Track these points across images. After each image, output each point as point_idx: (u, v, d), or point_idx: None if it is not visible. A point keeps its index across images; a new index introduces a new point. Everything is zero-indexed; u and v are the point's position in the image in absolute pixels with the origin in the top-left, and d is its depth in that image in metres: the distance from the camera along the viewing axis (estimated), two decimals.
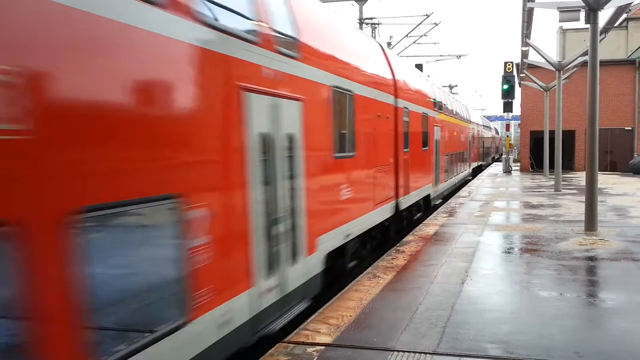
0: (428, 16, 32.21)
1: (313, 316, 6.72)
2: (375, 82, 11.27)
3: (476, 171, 37.54)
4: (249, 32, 5.98)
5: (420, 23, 32.48)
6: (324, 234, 7.95)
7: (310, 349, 5.63)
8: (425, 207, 16.94)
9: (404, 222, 14.08)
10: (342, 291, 7.78)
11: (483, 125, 47.73)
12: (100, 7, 3.85)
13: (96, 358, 3.64)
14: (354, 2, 34.19)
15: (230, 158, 5.48)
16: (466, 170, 29.40)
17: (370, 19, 38.69)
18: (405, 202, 13.73)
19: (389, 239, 12.49)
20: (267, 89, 6.22)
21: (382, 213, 11.63)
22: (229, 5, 5.63)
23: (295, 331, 6.18)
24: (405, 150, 13.75)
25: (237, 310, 5.41)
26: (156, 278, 4.42)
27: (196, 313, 4.70)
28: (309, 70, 7.57)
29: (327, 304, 7.18)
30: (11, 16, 3.24)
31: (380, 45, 13.41)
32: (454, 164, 23.68)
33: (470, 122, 33.23)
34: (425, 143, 16.61)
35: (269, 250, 6.16)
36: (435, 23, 34.42)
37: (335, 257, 8.67)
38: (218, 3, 5.40)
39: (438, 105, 19.63)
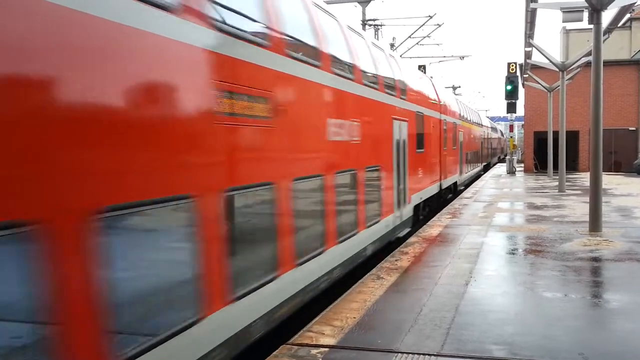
0: (431, 17, 32.19)
1: (317, 318, 6.71)
2: (431, 105, 17.51)
3: (486, 167, 43.95)
4: (393, 90, 12.12)
5: (424, 24, 32.45)
6: (413, 194, 14.10)
7: (314, 351, 5.62)
8: (454, 191, 23.05)
9: (441, 198, 19.81)
10: (346, 293, 7.77)
11: (491, 128, 54.81)
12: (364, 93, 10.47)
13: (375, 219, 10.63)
14: (357, 4, 34.15)
15: (390, 151, 11.64)
16: (479, 166, 37.14)
17: (373, 20, 38.66)
18: (445, 183, 20.17)
19: (431, 211, 17.93)
20: (398, 117, 12.21)
21: (435, 188, 18.00)
22: (387, 80, 11.87)
23: (299, 333, 6.17)
24: (445, 148, 20.01)
25: (389, 222, 11.58)
26: (373, 199, 10.57)
27: (381, 217, 11.00)
28: (409, 104, 13.61)
29: (331, 305, 7.18)
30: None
31: (431, 80, 20.11)
32: (471, 160, 30.71)
33: (481, 126, 40.07)
34: (454, 144, 22.88)
35: (397, 196, 12.31)
36: (438, 24, 34.40)
37: (415, 211, 14.48)
38: (384, 81, 11.51)
39: (461, 115, 26.06)
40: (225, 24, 5.38)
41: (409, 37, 32.70)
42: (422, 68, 41.28)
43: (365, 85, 10.09)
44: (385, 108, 11.48)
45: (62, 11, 3.48)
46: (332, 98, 8.43)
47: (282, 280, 6.33)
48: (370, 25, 36.19)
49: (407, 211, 13.42)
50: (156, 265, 4.56)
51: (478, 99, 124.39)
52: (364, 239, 9.79)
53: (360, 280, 8.46)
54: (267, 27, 6.37)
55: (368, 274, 8.88)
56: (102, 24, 3.79)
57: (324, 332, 6.16)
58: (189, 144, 4.73)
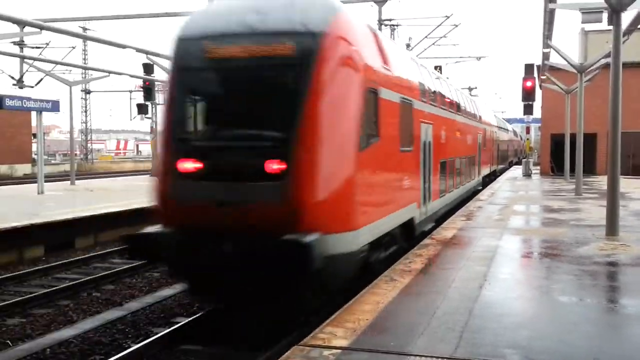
0: (448, 17, 31.99)
1: (329, 319, 6.70)
2: (507, 131, 46.28)
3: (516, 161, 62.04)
4: (508, 131, 41.43)
5: (440, 24, 32.28)
6: (510, 158, 36.11)
7: (326, 352, 5.61)
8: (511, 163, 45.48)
9: (510, 165, 45.71)
10: (359, 294, 7.74)
11: (519, 135, 74.31)
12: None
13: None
14: (373, 3, 33.98)
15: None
16: (512, 159, 54.59)
17: (390, 20, 38.39)
18: (510, 159, 49.16)
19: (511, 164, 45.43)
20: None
21: (510, 157, 50.56)
22: (504, 128, 44.32)
23: (311, 334, 6.17)
24: (509, 147, 47.11)
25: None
26: (496, 157, 35.27)
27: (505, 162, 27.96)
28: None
29: (344, 307, 7.16)
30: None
31: (513, 128, 58.88)
32: (510, 154, 52.16)
33: (517, 135, 63.22)
34: (509, 145, 45.54)
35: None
36: (455, 24, 34.18)
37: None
38: (505, 128, 44.35)
39: (514, 132, 53.58)
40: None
41: (426, 37, 32.57)
42: (438, 69, 40.98)
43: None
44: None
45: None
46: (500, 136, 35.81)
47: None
48: (386, 25, 36.00)
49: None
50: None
51: (495, 100, 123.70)
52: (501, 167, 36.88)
53: (374, 282, 8.43)
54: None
55: (381, 275, 8.84)
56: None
57: (337, 333, 6.14)
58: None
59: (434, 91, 14.08)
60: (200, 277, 8.19)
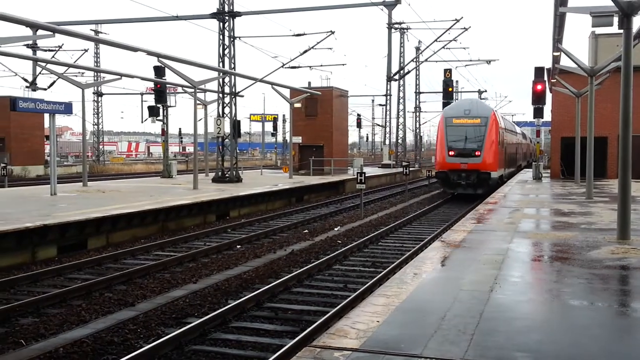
0: (458, 21, 32.02)
1: (340, 320, 6.75)
2: (523, 141, 60.18)
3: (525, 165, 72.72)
4: (504, 129, 36.20)
5: (450, 28, 32.32)
6: (505, 165, 35.46)
7: (337, 354, 5.66)
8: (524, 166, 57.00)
9: (528, 163, 58.93)
10: (370, 296, 7.79)
11: (530, 139, 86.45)
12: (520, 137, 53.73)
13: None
14: (383, 7, 34.04)
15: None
16: (528, 159, 64.51)
17: (399, 23, 38.37)
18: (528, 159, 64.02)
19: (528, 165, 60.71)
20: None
21: (525, 159, 62.42)
22: (509, 128, 44.47)
23: (322, 335, 6.22)
24: (526, 150, 62.06)
25: (524, 162, 56.33)
26: (520, 158, 53.82)
27: (504, 168, 35.77)
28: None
29: (355, 308, 7.21)
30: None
31: (527, 135, 67.98)
32: (527, 155, 62.19)
33: (531, 140, 71.92)
34: (527, 148, 62.22)
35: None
36: (464, 28, 34.20)
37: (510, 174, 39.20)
38: (510, 130, 43.95)
39: (531, 140, 64.46)
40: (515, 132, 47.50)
41: (435, 40, 32.58)
42: (448, 72, 40.88)
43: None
44: (525, 143, 48.66)
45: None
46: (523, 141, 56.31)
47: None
48: (395, 28, 35.99)
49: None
50: (515, 157, 43.40)
51: (504, 103, 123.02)
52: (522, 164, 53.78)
53: (384, 284, 8.48)
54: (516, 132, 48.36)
55: (391, 277, 8.88)
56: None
57: (347, 335, 6.19)
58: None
59: (504, 125, 33.76)
60: (451, 185, 30.86)
